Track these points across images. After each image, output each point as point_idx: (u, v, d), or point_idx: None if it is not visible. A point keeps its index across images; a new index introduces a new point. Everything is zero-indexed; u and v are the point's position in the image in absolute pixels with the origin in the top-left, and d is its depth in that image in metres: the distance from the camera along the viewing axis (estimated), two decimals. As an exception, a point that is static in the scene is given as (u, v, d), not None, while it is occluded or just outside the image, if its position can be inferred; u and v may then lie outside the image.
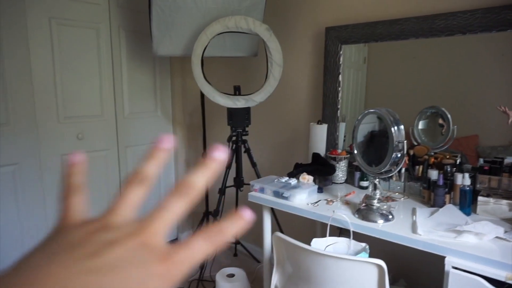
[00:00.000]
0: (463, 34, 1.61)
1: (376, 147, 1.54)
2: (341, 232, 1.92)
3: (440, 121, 1.75)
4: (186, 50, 2.19)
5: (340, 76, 2.04)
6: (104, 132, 2.54)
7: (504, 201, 1.40)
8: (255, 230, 2.88)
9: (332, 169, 1.82)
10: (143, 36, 2.66)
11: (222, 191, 2.25)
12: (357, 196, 1.70)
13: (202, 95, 2.46)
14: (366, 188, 1.82)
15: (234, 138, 2.25)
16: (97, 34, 2.42)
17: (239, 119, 2.20)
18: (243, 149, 2.29)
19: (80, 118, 2.40)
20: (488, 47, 1.58)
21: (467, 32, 1.60)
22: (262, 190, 1.74)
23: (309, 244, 1.45)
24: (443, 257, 1.19)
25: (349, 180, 1.94)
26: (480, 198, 1.45)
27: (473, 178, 1.52)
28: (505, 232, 1.24)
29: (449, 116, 1.72)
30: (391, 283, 1.95)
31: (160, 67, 2.85)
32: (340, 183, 1.92)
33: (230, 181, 2.54)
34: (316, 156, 1.90)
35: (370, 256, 1.38)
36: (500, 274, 1.08)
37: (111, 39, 2.50)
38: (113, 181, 2.61)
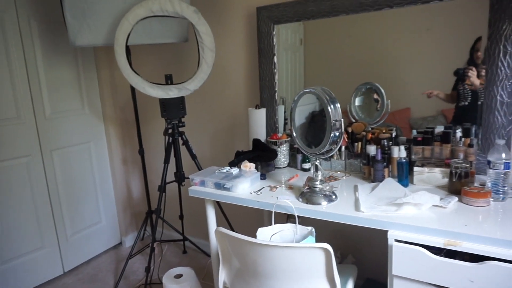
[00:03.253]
0: (391, 8, 1.62)
1: (316, 128, 1.50)
2: (289, 217, 1.90)
3: (375, 96, 1.77)
4: (108, 39, 1.99)
5: (275, 57, 1.98)
6: (23, 136, 2.26)
7: (437, 169, 1.44)
8: (202, 225, 2.80)
9: (274, 154, 1.77)
10: (59, 27, 2.38)
11: (162, 188, 2.11)
12: (300, 179, 1.67)
13: (133, 87, 2.27)
14: (309, 170, 1.79)
15: (170, 131, 2.11)
16: (1, 26, 2.12)
17: (173, 110, 2.06)
18: (181, 142, 2.16)
19: (-10, 122, 2.11)
20: (415, 23, 1.60)
21: (394, 5, 1.61)
22: (203, 183, 1.65)
23: (257, 234, 1.40)
24: (386, 231, 1.19)
25: (292, 163, 1.91)
26: (415, 169, 1.48)
27: (408, 150, 1.55)
28: (441, 199, 1.28)
29: (382, 91, 1.74)
30: (340, 261, 1.98)
31: (83, 60, 2.59)
32: (283, 167, 1.88)
33: (170, 177, 2.41)
34: (256, 142, 1.83)
35: (318, 237, 1.36)
36: (439, 241, 1.10)
37: (20, 31, 2.20)
38: (39, 189, 2.35)
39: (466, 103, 1.52)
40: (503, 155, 1.22)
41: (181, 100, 2.07)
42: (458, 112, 1.55)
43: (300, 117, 1.52)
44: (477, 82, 1.48)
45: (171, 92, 1.99)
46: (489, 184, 1.27)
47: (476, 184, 1.34)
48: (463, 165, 1.33)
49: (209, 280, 2.31)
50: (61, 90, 2.46)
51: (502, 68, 1.41)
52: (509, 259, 0.99)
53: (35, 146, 2.33)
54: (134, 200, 3.00)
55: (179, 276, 1.87)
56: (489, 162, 1.26)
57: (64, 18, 1.89)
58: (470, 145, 1.46)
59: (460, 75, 1.52)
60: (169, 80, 2.07)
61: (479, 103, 1.49)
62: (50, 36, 2.37)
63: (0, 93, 2.14)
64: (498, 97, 1.44)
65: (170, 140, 2.13)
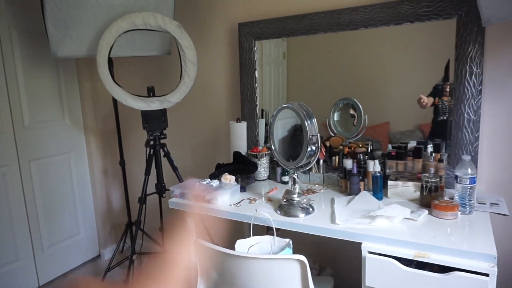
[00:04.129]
0: (366, 28, 1.69)
1: (296, 141, 1.54)
2: (269, 229, 1.92)
3: (352, 111, 1.83)
4: (90, 51, 2.00)
5: (256, 72, 2.03)
6: (0, 145, 2.22)
7: (410, 183, 1.50)
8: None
9: (254, 167, 1.80)
10: (40, 37, 2.37)
11: (142, 200, 2.11)
12: (279, 192, 1.70)
13: (115, 99, 2.27)
14: (288, 183, 1.83)
15: (151, 143, 2.12)
16: (-20, 34, 2.10)
17: (155, 122, 2.07)
18: (162, 153, 2.16)
19: (-34, 132, 2.07)
20: (392, 41, 1.68)
21: (369, 26, 1.68)
22: (182, 196, 1.66)
23: (235, 246, 1.41)
24: (361, 243, 1.23)
25: (272, 176, 1.94)
26: (389, 182, 1.54)
27: (383, 164, 1.60)
28: (412, 212, 1.33)
29: (360, 106, 1.81)
30: (318, 272, 2.01)
31: (65, 71, 2.57)
32: (263, 180, 1.91)
33: (151, 188, 2.40)
34: (237, 154, 1.86)
35: (297, 249, 1.38)
36: (410, 253, 1.14)
37: (0, 40, 2.19)
38: (15, 200, 2.30)
39: (444, 117, 1.59)
40: (469, 170, 1.29)
41: (163, 112, 2.09)
42: (435, 126, 1.63)
43: (282, 130, 1.56)
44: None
45: (153, 104, 2.00)
46: (456, 198, 1.34)
47: (445, 198, 1.40)
48: (433, 179, 1.39)
49: (188, 292, 2.30)
50: (41, 100, 2.44)
51: (469, 88, 1.49)
52: (474, 270, 1.04)
53: (12, 156, 2.29)
54: (114, 211, 2.96)
55: (157, 289, 1.86)
56: (456, 177, 1.32)
57: (46, 28, 1.89)
58: (440, 160, 1.53)
59: (439, 91, 1.60)
60: (151, 92, 2.09)
61: (450, 119, 1.57)
62: (31, 46, 2.35)
63: (-23, 103, 2.11)
64: (466, 115, 1.51)
65: (152, 152, 2.13)
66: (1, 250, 2.25)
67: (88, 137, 2.73)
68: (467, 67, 1.48)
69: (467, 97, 1.50)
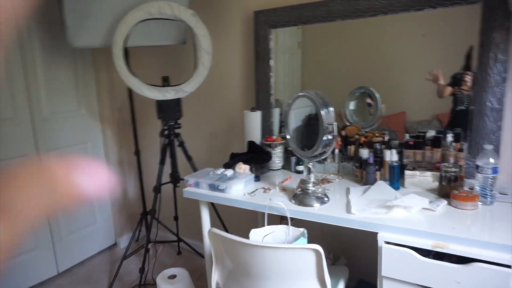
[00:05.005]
0: (385, 14, 1.65)
1: (311, 130, 1.52)
2: (282, 218, 1.91)
3: (368, 100, 1.79)
4: (106, 41, 2.01)
5: (271, 61, 2.00)
6: (20, 136, 2.27)
7: (428, 173, 1.47)
8: (196, 226, 2.80)
9: (268, 156, 1.79)
10: (58, 28, 2.40)
11: (157, 189, 2.13)
12: (294, 182, 1.69)
13: (130, 89, 2.29)
14: (303, 172, 1.81)
15: (166, 132, 2.13)
16: (-1, 25, 2.13)
17: (170, 112, 2.08)
18: (176, 143, 2.17)
19: (-13, 122, 2.12)
20: (411, 29, 1.63)
21: (388, 12, 1.64)
22: (197, 185, 1.66)
23: (249, 235, 1.41)
24: (377, 233, 1.21)
25: (286, 165, 1.93)
26: (407, 172, 1.50)
27: (400, 154, 1.57)
28: (430, 202, 1.30)
29: (377, 95, 1.77)
30: (332, 262, 2.00)
31: (82, 61, 2.60)
32: (277, 169, 1.90)
33: (166, 178, 2.42)
34: (251, 144, 1.85)
35: (311, 238, 1.37)
36: (427, 243, 1.12)
37: (19, 31, 2.22)
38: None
39: (463, 107, 1.55)
40: (491, 160, 1.25)
41: (177, 102, 2.09)
42: (454, 116, 1.58)
43: (296, 120, 1.54)
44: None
45: (168, 94, 2.00)
46: (477, 188, 1.30)
47: (465, 188, 1.37)
48: (453, 169, 1.36)
49: (202, 281, 2.32)
50: (59, 91, 2.48)
51: (493, 75, 1.44)
52: (495, 261, 1.01)
53: (31, 146, 2.34)
54: (130, 201, 3.01)
55: (173, 277, 1.89)
56: (477, 167, 1.28)
57: (63, 19, 1.91)
58: (461, 150, 1.49)
59: (457, 80, 1.55)
60: (166, 82, 2.09)
61: (471, 108, 1.52)
62: (49, 38, 2.38)
63: (-3, 93, 2.15)
64: (488, 103, 1.46)
65: (166, 142, 2.14)
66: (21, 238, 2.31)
67: (104, 127, 2.76)
68: (492, 54, 1.43)
69: (491, 85, 1.45)
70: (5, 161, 2.21)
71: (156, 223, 2.80)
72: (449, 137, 1.53)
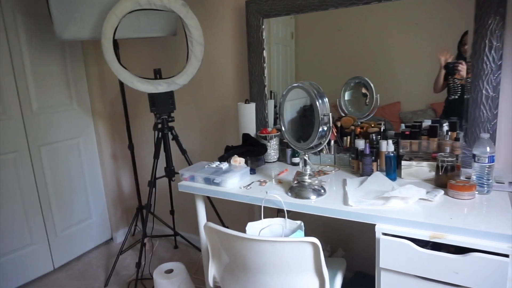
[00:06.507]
0: (379, 2, 1.62)
1: (306, 122, 1.50)
2: (279, 211, 1.91)
3: (364, 90, 1.77)
4: (95, 33, 1.96)
5: (264, 51, 1.97)
6: (9, 131, 2.22)
7: (425, 163, 1.46)
8: (193, 220, 2.79)
9: (263, 149, 1.77)
10: (45, 20, 2.34)
11: (152, 183, 2.10)
12: (290, 174, 1.68)
13: (122, 82, 2.25)
14: (299, 164, 1.80)
15: (159, 126, 2.10)
16: (-16, 19, 2.07)
17: (162, 105, 2.04)
18: (170, 137, 2.15)
19: (-25, 118, 2.07)
20: (404, 17, 1.61)
21: (382, -1, 1.61)
22: (192, 178, 1.64)
23: (246, 229, 1.40)
24: (374, 225, 1.20)
25: (282, 158, 1.91)
26: (403, 163, 1.49)
27: (396, 144, 1.56)
28: (427, 192, 1.29)
29: (372, 85, 1.75)
30: (330, 254, 2.00)
31: (71, 55, 2.54)
32: (273, 161, 1.88)
33: (161, 172, 2.40)
34: (246, 136, 1.83)
35: (308, 231, 1.37)
36: (425, 234, 1.11)
37: (5, 25, 2.16)
38: (27, 185, 2.32)
39: (456, 96, 1.54)
40: (488, 149, 1.24)
41: (170, 94, 2.06)
42: (448, 105, 1.57)
43: (291, 111, 1.52)
44: (466, 75, 1.49)
45: (160, 87, 1.97)
46: (474, 177, 1.29)
47: (462, 178, 1.36)
48: (449, 159, 1.35)
49: (200, 275, 2.32)
50: (48, 85, 2.43)
51: (488, 63, 1.43)
52: (493, 250, 1.01)
53: (22, 141, 2.29)
54: (125, 195, 2.98)
55: (170, 271, 1.88)
56: (474, 156, 1.28)
57: (50, 11, 1.86)
58: (457, 139, 1.48)
59: (450, 69, 1.53)
60: (158, 75, 2.05)
61: (466, 97, 1.51)
62: (36, 30, 2.32)
63: (-15, 88, 2.10)
64: (484, 91, 1.45)
65: (160, 135, 2.11)
66: (16, 234, 2.28)
67: (96, 122, 2.72)
68: (487, 41, 1.41)
69: (486, 72, 1.43)
70: (-4, 158, 2.17)
71: (152, 217, 2.80)
72: (445, 127, 1.52)
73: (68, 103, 2.56)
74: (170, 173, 2.19)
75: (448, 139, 1.49)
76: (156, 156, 2.09)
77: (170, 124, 2.12)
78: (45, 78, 2.40)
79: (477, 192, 1.28)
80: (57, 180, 2.51)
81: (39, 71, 2.36)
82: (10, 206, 2.25)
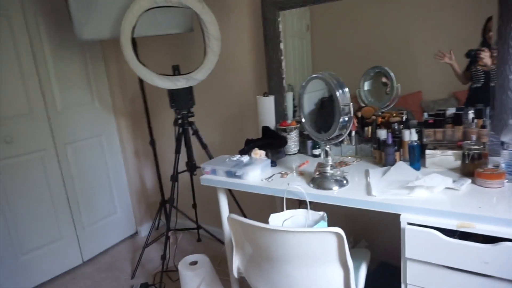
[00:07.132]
0: (398, -12, 1.58)
1: (325, 113, 1.49)
2: (301, 203, 1.91)
3: (384, 80, 1.74)
4: (113, 32, 2.00)
5: (281, 44, 1.96)
6: (36, 131, 2.30)
7: (450, 152, 1.43)
8: (215, 213, 2.82)
9: (284, 141, 1.77)
10: (66, 22, 2.39)
11: (174, 178, 2.14)
12: (311, 165, 1.67)
13: (141, 79, 2.28)
14: (319, 156, 1.79)
15: (180, 121, 2.12)
16: (9, 24, 2.14)
17: (182, 101, 2.07)
18: (191, 132, 2.17)
19: (4, 119, 2.15)
20: (424, 4, 1.57)
21: (401, -15, 1.57)
22: (214, 172, 1.66)
23: (269, 220, 1.41)
24: (399, 215, 1.19)
25: (302, 150, 1.91)
26: (427, 152, 1.47)
27: (419, 133, 1.53)
28: (453, 181, 1.27)
29: (392, 74, 1.72)
30: (353, 245, 1.99)
31: (91, 54, 2.60)
32: (293, 154, 1.88)
33: (182, 166, 2.43)
34: (266, 129, 1.84)
35: (331, 222, 1.36)
36: (452, 223, 1.09)
37: (27, 27, 2.22)
38: (55, 182, 2.40)
39: (479, 84, 1.49)
40: (517, 135, 1.20)
41: (189, 90, 2.08)
42: (471, 94, 1.52)
43: (309, 104, 1.51)
44: (490, 63, 1.45)
45: (179, 83, 1.99)
46: (503, 165, 1.26)
47: (489, 166, 1.32)
48: (476, 147, 1.32)
49: (224, 266, 2.36)
50: (70, 85, 2.49)
51: (515, 46, 1.37)
52: (524, 239, 0.99)
53: (48, 140, 2.37)
54: (148, 190, 3.05)
55: (194, 263, 1.91)
56: (502, 143, 1.24)
57: (69, 12, 1.90)
58: (483, 127, 1.44)
59: (472, 57, 1.49)
60: (176, 71, 2.08)
61: (492, 84, 1.46)
62: (57, 32, 2.38)
63: (11, 91, 2.17)
64: (511, 77, 1.40)
65: (180, 131, 2.14)
66: (45, 229, 2.37)
67: (118, 119, 2.78)
68: (514, 24, 1.36)
69: (513, 56, 1.38)
70: (25, 155, 2.25)
71: (175, 211, 2.85)
72: (471, 114, 1.48)
73: (90, 102, 2.62)
74: (192, 167, 2.22)
75: (474, 126, 1.45)
76: (178, 151, 2.13)
77: (190, 119, 2.15)
78: (67, 78, 2.47)
79: (506, 181, 1.24)
80: (83, 177, 2.59)
81: (61, 72, 2.43)
82: (40, 202, 2.34)
